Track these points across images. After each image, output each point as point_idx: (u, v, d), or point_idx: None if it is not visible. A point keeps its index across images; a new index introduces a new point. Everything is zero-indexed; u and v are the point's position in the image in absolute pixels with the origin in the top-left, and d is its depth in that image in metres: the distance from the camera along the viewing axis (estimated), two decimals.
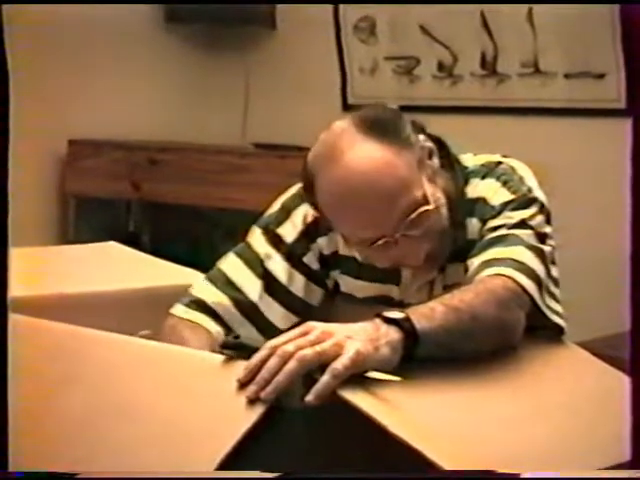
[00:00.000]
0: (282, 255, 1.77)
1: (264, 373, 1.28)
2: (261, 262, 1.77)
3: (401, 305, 1.69)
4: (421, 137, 1.67)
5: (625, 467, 1.26)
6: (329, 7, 4.17)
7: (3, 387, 1.15)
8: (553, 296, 1.71)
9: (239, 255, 1.80)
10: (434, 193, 1.64)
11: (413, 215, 1.60)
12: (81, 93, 4.15)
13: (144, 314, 1.77)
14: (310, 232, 1.78)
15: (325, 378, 1.26)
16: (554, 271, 1.72)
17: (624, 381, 1.56)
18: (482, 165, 1.74)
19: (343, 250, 1.78)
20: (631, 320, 1.00)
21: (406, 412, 1.28)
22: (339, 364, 1.27)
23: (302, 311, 1.78)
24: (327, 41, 4.22)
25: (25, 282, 1.50)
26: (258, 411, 1.26)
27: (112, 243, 2.32)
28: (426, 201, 1.62)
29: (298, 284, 1.77)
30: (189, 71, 4.52)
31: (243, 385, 1.29)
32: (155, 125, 4.38)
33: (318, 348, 1.29)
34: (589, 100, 3.67)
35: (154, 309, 1.75)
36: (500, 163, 1.73)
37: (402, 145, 1.62)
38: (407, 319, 1.38)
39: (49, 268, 1.99)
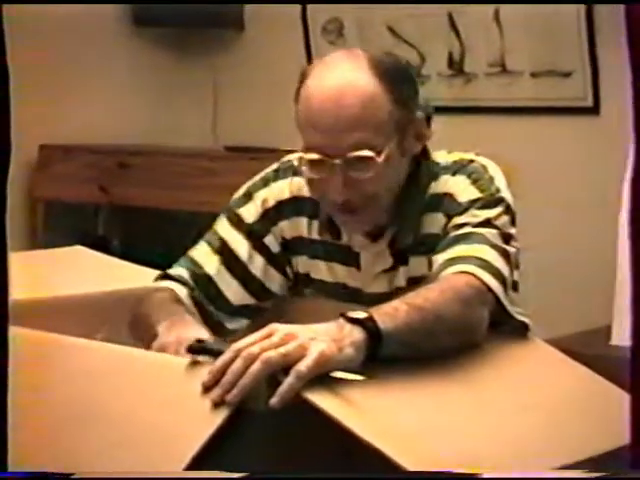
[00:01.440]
0: (242, 233, 1.79)
1: (228, 376, 1.29)
2: (220, 239, 1.80)
3: (362, 294, 1.73)
4: (419, 114, 1.69)
5: (588, 464, 1.26)
6: (297, 9, 4.16)
7: (3, 390, 1.15)
8: (511, 301, 1.67)
9: (203, 238, 1.84)
10: (395, 160, 1.65)
11: (357, 152, 1.61)
12: (51, 97, 4.13)
13: (112, 317, 1.77)
14: (271, 215, 1.80)
15: (289, 380, 1.27)
16: (515, 275, 1.71)
17: (591, 377, 1.57)
18: (454, 162, 1.74)
19: (308, 233, 1.79)
20: (632, 326, 1.01)
21: (370, 412, 1.28)
22: (303, 366, 1.28)
23: (260, 294, 1.80)
24: (296, 43, 4.21)
25: None
26: (223, 414, 1.26)
27: (78, 247, 2.31)
28: (377, 153, 1.62)
29: (257, 264, 1.79)
30: (158, 74, 4.50)
31: (208, 389, 1.29)
32: (125, 129, 4.35)
33: (282, 350, 1.29)
34: (556, 99, 3.68)
35: (122, 311, 1.75)
36: (472, 161, 1.74)
37: (397, 99, 1.64)
38: (370, 319, 1.39)
39: (16, 274, 1.98)
